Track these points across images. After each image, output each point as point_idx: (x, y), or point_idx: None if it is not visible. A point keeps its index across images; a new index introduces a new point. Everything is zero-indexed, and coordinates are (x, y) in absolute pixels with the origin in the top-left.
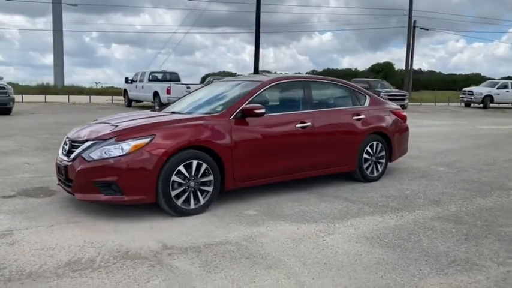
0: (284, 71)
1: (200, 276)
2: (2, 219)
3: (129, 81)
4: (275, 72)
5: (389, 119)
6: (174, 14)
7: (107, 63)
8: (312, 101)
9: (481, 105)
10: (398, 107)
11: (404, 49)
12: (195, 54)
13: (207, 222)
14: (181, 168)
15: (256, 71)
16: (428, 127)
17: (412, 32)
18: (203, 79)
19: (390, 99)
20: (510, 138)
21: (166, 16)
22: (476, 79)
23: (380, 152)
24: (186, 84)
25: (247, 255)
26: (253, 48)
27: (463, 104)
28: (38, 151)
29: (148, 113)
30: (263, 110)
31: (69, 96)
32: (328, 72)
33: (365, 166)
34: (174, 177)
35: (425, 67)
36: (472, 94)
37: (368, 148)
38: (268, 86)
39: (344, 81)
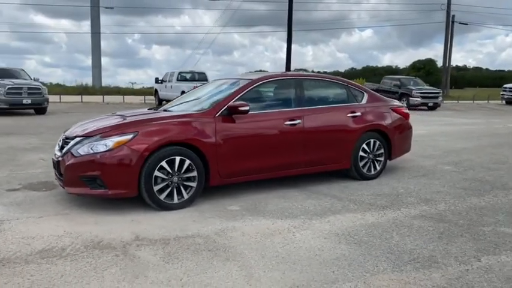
0: (322, 69)
1: (156, 266)
2: None
3: (159, 82)
4: (312, 71)
5: (389, 116)
6: (213, 14)
7: (148, 64)
8: (304, 99)
9: None
10: (401, 104)
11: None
12: (233, 54)
13: (187, 217)
14: (163, 164)
15: (288, 69)
16: (456, 125)
17: (450, 27)
18: None
19: (423, 97)
20: None
21: (205, 17)
22: None
23: (378, 150)
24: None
25: (210, 248)
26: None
27: (503, 102)
28: None
29: (142, 111)
30: (247, 108)
31: (104, 96)
32: (368, 70)
33: (361, 164)
34: (156, 173)
35: (471, 63)
36: None
37: (364, 146)
38: (257, 84)
39: (340, 78)
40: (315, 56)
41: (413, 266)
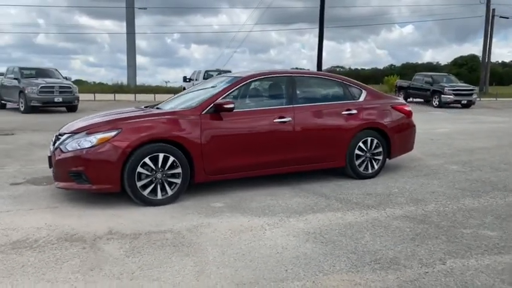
0: (360, 66)
1: (116, 260)
2: None
3: (187, 80)
4: (349, 68)
5: (388, 114)
6: (250, 12)
7: (186, 63)
8: (296, 96)
9: None
10: (403, 101)
11: (494, 40)
12: (269, 52)
13: (167, 212)
14: (146, 160)
15: (320, 66)
16: (484, 124)
17: (490, 21)
18: None
19: (455, 95)
20: None
21: (243, 15)
22: None
23: (376, 148)
24: None
25: (176, 244)
26: (328, 43)
27: None
28: None
29: (137, 108)
30: (232, 105)
31: (137, 94)
32: (407, 67)
33: (357, 163)
34: (139, 169)
35: None
36: None
37: (361, 144)
38: (246, 82)
39: (336, 75)
40: (353, 53)
41: (371, 267)
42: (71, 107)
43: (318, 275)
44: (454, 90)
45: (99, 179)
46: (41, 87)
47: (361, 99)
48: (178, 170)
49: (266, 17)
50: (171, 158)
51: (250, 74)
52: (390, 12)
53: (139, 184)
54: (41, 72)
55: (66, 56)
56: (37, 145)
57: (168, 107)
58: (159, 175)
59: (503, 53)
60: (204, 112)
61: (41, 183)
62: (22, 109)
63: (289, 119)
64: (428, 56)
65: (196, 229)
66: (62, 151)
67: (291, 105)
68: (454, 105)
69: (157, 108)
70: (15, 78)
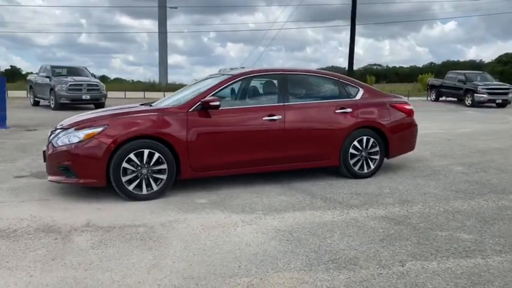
0: (399, 64)
1: (80, 251)
2: None
3: None
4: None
5: (386, 112)
6: (286, 10)
7: (222, 61)
8: (288, 94)
9: None
10: (403, 100)
11: None
12: (305, 50)
13: (150, 208)
14: (132, 156)
15: (351, 64)
16: (510, 124)
17: None
18: None
19: (490, 94)
20: None
21: (279, 13)
22: None
23: (372, 147)
24: None
25: (143, 238)
26: (366, 40)
27: None
28: None
29: (129, 106)
30: (218, 103)
31: (167, 93)
32: (448, 65)
33: (352, 162)
34: (124, 164)
35: None
36: None
37: (356, 143)
38: (236, 80)
39: (332, 73)
40: (392, 51)
41: (326, 266)
42: (98, 104)
43: (269, 272)
44: (487, 89)
45: (86, 173)
46: (70, 85)
47: (358, 97)
48: (164, 166)
49: (302, 14)
50: (157, 154)
51: (240, 72)
52: (432, 8)
53: (124, 179)
54: (71, 71)
55: (107, 55)
56: None
57: (162, 104)
58: (144, 171)
59: None
60: (191, 109)
61: (42, 177)
62: (52, 106)
63: (279, 117)
64: (471, 53)
65: (170, 224)
66: (53, 146)
67: (282, 103)
68: (489, 104)
69: (151, 105)
70: (46, 77)
